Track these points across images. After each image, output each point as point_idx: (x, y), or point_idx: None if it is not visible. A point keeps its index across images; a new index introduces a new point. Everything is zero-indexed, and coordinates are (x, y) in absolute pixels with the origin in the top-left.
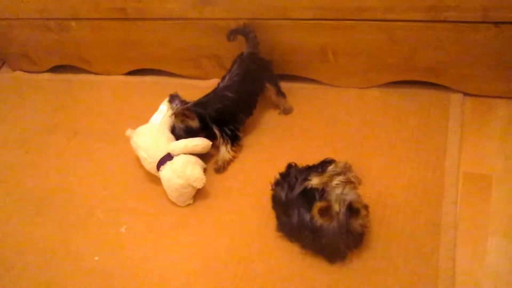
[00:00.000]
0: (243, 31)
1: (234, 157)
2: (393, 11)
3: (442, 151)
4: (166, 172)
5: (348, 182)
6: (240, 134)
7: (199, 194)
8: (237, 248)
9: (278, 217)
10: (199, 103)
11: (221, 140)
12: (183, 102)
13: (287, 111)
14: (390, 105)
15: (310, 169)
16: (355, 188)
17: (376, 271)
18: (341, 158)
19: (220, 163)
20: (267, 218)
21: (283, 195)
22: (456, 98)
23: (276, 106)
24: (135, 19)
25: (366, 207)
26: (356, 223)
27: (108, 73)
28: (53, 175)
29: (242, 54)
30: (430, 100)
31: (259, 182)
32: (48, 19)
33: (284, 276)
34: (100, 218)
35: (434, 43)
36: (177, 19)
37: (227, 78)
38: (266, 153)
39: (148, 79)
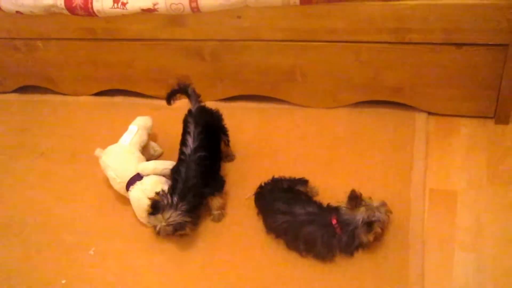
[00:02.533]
0: (181, 89)
1: (225, 199)
2: (360, 33)
3: (408, 168)
4: (135, 192)
5: (389, 212)
6: (224, 178)
7: None
8: (212, 264)
9: (265, 218)
10: (181, 189)
11: (211, 197)
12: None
13: (231, 158)
14: (357, 125)
15: (295, 180)
16: (389, 218)
17: (353, 278)
18: (311, 177)
19: (216, 212)
20: (243, 228)
21: (271, 196)
22: (421, 117)
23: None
24: (103, 39)
25: (381, 234)
26: (363, 236)
27: (76, 93)
28: (18, 197)
29: (190, 111)
30: (396, 119)
31: (230, 201)
32: (15, 38)
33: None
34: (67, 241)
35: (399, 64)
36: (147, 40)
37: (190, 140)
38: (236, 174)
39: (117, 99)
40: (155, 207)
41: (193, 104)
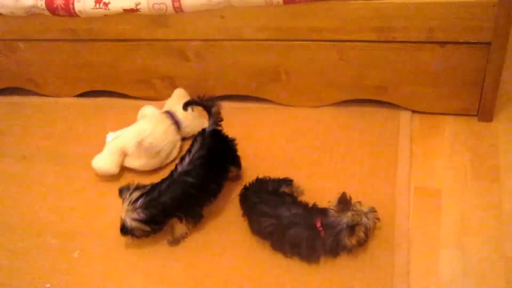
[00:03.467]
0: (206, 105)
1: (191, 231)
2: (343, 32)
3: (393, 167)
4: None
5: (376, 218)
6: (203, 213)
7: None
8: (198, 262)
9: (250, 220)
10: (152, 198)
11: (179, 221)
12: (134, 189)
13: (238, 178)
14: (342, 123)
15: (280, 180)
16: (375, 224)
17: (338, 282)
18: (296, 177)
19: (176, 236)
20: (228, 229)
21: (255, 198)
22: (405, 115)
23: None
24: (85, 40)
25: (365, 238)
26: (348, 239)
27: (58, 95)
28: (0, 200)
29: (203, 131)
30: (381, 118)
31: (215, 201)
32: None
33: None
34: (51, 244)
35: (383, 62)
36: (129, 40)
37: (186, 160)
38: None
39: (100, 101)
40: (120, 192)
41: (210, 124)
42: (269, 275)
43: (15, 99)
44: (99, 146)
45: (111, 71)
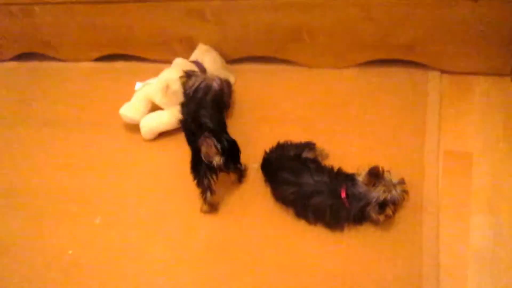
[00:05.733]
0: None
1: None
2: None
3: (421, 130)
4: None
5: (404, 191)
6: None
7: (179, 183)
8: (221, 230)
9: (273, 187)
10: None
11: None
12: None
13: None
14: (368, 85)
15: (302, 145)
16: (403, 198)
17: (367, 244)
18: (320, 139)
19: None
20: (250, 196)
21: (277, 165)
22: (433, 75)
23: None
24: (101, 2)
25: (393, 215)
26: (376, 215)
27: (76, 59)
28: (21, 168)
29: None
30: (408, 78)
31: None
32: (10, 4)
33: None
34: (72, 210)
35: (411, 20)
36: (146, 1)
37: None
38: (241, 139)
39: (118, 65)
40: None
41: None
42: (293, 242)
43: (32, 65)
44: (119, 110)
45: (128, 34)
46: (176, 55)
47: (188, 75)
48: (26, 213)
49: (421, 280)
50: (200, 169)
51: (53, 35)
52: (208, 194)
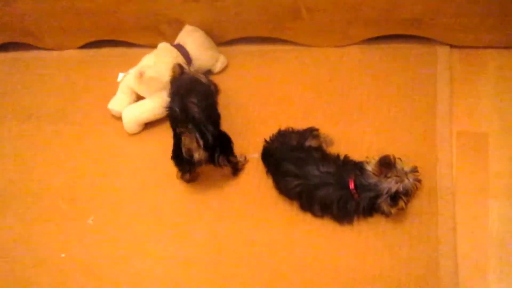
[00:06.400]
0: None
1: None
2: None
3: (432, 110)
4: None
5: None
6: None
7: (172, 181)
8: (221, 226)
9: (275, 179)
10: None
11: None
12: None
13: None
14: (372, 63)
15: (305, 131)
16: (416, 187)
17: (379, 236)
18: (324, 124)
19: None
20: (252, 188)
21: (279, 155)
22: (443, 51)
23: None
24: None
25: (407, 203)
26: (387, 208)
27: (60, 47)
28: (8, 164)
29: None
30: (415, 55)
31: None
32: None
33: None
34: (63, 209)
35: None
36: None
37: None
38: (239, 126)
39: (104, 51)
40: (181, 69)
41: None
42: (298, 237)
43: (15, 55)
44: (108, 100)
45: (113, 18)
46: (166, 38)
47: (180, 70)
48: (15, 213)
49: (438, 272)
50: (181, 160)
51: (34, 23)
52: (187, 175)
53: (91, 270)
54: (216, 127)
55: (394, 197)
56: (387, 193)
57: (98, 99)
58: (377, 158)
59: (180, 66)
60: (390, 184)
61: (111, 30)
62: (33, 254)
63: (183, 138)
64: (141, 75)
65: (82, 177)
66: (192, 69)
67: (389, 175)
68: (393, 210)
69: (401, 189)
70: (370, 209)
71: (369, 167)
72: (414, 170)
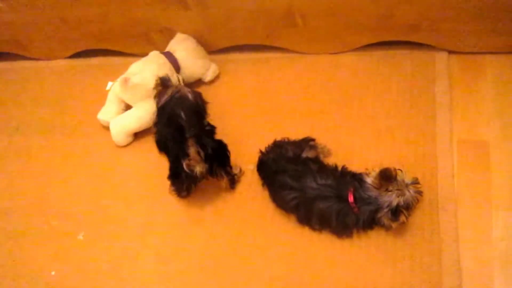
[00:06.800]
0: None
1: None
2: None
3: (431, 118)
4: None
5: (418, 193)
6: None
7: (165, 194)
8: (215, 240)
9: (272, 192)
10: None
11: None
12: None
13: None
14: (369, 71)
15: (301, 142)
16: (417, 200)
17: (379, 249)
18: (320, 134)
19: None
20: (248, 200)
21: (275, 167)
22: (441, 57)
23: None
24: None
25: (408, 216)
26: (388, 222)
27: (48, 57)
28: None
29: None
30: (413, 61)
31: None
32: None
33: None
34: (53, 225)
35: None
36: None
37: None
38: (235, 135)
39: (94, 61)
40: (164, 83)
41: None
42: (296, 251)
43: (2, 65)
44: (98, 110)
45: (103, 27)
46: (157, 47)
47: (163, 84)
48: (2, 229)
49: (442, 287)
50: (180, 178)
51: (22, 33)
52: (184, 193)
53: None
54: (213, 138)
55: (395, 211)
56: (387, 206)
57: (88, 110)
58: (377, 170)
59: (163, 79)
60: (391, 198)
61: (100, 39)
62: (22, 271)
63: (190, 155)
64: (125, 81)
65: (72, 191)
66: (180, 77)
67: (389, 188)
68: (394, 225)
69: (402, 202)
70: (370, 222)
71: (369, 180)
72: (415, 182)
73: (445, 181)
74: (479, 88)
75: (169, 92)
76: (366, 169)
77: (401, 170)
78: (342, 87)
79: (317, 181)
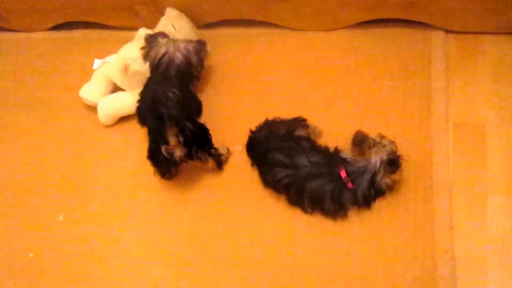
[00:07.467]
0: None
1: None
2: None
3: (426, 99)
4: None
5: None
6: None
7: (149, 174)
8: (203, 223)
9: (262, 171)
10: None
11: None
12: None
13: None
14: (363, 49)
15: (293, 121)
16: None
17: (372, 235)
18: (313, 113)
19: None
20: (235, 182)
21: (267, 145)
22: (437, 36)
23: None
24: None
25: (401, 163)
26: (387, 180)
27: (29, 29)
28: None
29: None
30: (409, 40)
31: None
32: None
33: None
34: (32, 205)
35: None
36: None
37: None
38: (222, 117)
39: (76, 34)
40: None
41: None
42: (286, 235)
43: None
44: (80, 86)
45: None
46: (142, 20)
47: (149, 41)
48: None
49: (435, 276)
50: (159, 158)
51: (0, 3)
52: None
53: (62, 270)
54: (194, 120)
55: (391, 162)
56: (380, 164)
57: (69, 86)
58: (348, 142)
59: (148, 38)
60: (378, 154)
61: (82, 11)
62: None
63: (169, 139)
64: (126, 68)
65: (52, 170)
66: (177, 27)
67: (370, 147)
68: (397, 176)
69: (390, 151)
70: (369, 196)
71: (349, 154)
72: (381, 136)
73: (440, 166)
74: (477, 70)
75: (158, 52)
76: (340, 145)
77: (380, 135)
78: (335, 65)
79: (309, 158)
